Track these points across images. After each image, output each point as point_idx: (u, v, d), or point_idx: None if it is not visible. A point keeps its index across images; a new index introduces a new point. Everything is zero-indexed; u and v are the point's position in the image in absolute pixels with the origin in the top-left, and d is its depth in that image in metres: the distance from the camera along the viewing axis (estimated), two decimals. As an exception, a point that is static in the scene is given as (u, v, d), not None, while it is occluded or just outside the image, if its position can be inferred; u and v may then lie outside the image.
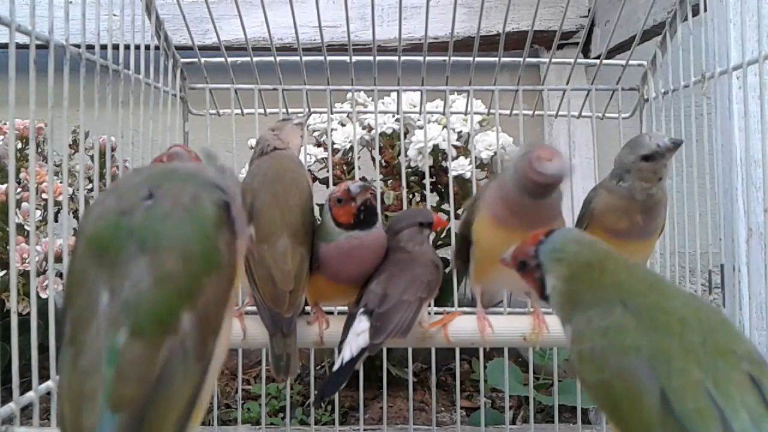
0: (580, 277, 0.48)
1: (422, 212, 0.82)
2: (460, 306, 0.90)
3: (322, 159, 1.14)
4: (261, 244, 0.70)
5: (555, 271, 0.50)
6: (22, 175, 1.09)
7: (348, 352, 0.64)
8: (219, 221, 0.40)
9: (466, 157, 1.13)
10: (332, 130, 1.15)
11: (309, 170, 1.08)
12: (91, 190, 0.83)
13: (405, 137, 1.11)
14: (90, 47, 0.68)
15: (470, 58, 0.94)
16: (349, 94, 1.07)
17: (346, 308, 0.76)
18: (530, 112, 1.02)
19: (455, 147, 1.14)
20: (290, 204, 0.71)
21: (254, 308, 0.71)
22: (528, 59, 0.94)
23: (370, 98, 1.17)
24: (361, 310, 0.68)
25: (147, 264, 0.37)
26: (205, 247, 0.39)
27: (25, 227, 1.03)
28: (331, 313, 0.76)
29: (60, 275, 0.94)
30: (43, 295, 0.96)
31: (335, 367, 0.64)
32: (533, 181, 0.63)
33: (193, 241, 0.38)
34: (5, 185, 1.07)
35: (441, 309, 0.90)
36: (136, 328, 0.36)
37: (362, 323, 0.66)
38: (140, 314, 0.36)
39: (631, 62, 0.95)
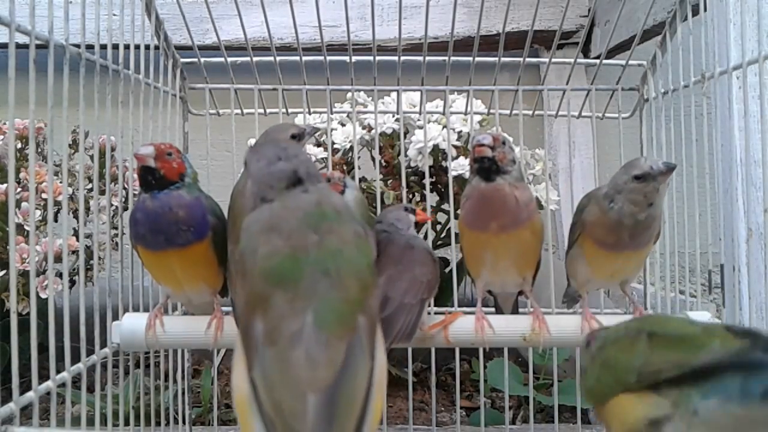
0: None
1: (405, 204, 0.85)
2: (459, 306, 0.90)
3: (322, 159, 1.14)
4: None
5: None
6: (21, 174, 1.09)
7: None
8: (372, 249, 0.51)
9: (466, 157, 1.13)
10: (332, 130, 1.15)
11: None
12: (91, 190, 0.83)
13: (405, 137, 1.11)
14: (90, 47, 0.68)
15: (470, 58, 0.94)
16: (349, 94, 1.07)
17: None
18: (530, 112, 1.02)
19: (455, 147, 1.14)
20: None
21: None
22: (528, 59, 0.94)
23: (370, 98, 1.17)
24: None
25: (331, 284, 0.45)
26: (370, 269, 0.49)
27: (25, 227, 1.03)
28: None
29: (60, 275, 0.94)
30: (42, 295, 0.96)
31: None
32: (471, 157, 0.72)
33: (364, 266, 0.48)
34: (5, 185, 1.07)
35: (442, 309, 0.90)
36: (325, 325, 0.43)
37: None
38: (329, 316, 0.44)
39: (631, 62, 0.95)
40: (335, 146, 1.15)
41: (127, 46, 0.75)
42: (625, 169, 0.72)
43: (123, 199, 0.93)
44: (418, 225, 0.84)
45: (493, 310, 0.86)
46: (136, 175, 0.71)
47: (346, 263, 0.47)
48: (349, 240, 0.48)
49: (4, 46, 0.53)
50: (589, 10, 1.59)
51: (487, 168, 0.71)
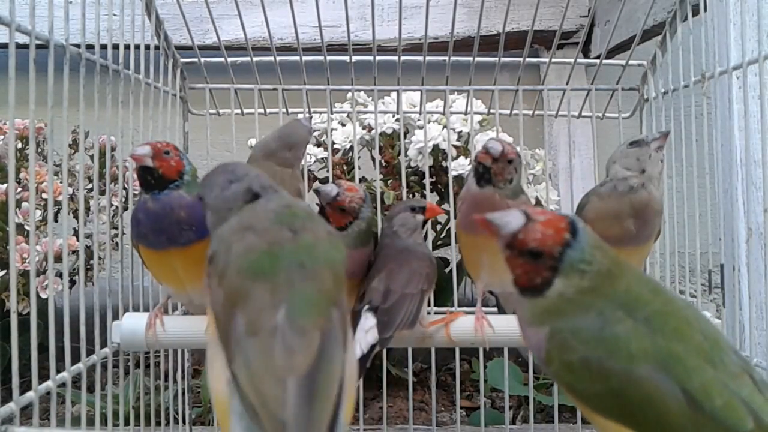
0: (598, 290, 0.45)
1: (416, 200, 0.83)
2: (459, 306, 0.90)
3: (322, 159, 1.14)
4: None
5: (573, 281, 0.45)
6: (22, 174, 1.09)
7: (358, 349, 0.64)
8: (344, 249, 0.52)
9: (466, 157, 1.13)
10: (332, 130, 1.15)
11: (309, 170, 1.08)
12: (91, 190, 0.83)
13: (405, 137, 1.11)
14: (90, 47, 0.68)
15: (470, 58, 0.94)
16: (349, 94, 1.07)
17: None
18: (530, 112, 1.02)
19: (455, 147, 1.14)
20: None
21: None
22: (528, 59, 0.94)
23: (370, 98, 1.17)
24: (366, 307, 0.68)
25: (306, 275, 0.47)
26: (343, 265, 0.50)
27: (25, 227, 1.03)
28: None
29: (60, 275, 0.94)
30: (43, 295, 0.96)
31: None
32: (476, 160, 0.71)
33: (338, 261, 0.50)
34: (5, 185, 1.07)
35: (443, 309, 0.89)
36: (301, 314, 0.45)
37: (368, 320, 0.66)
38: (304, 305, 0.45)
39: (631, 62, 0.95)
40: (335, 146, 1.15)
41: (127, 46, 0.75)
42: (623, 144, 0.75)
43: (123, 199, 0.93)
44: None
45: (493, 310, 0.86)
46: (136, 175, 0.71)
47: (321, 256, 0.48)
48: (323, 237, 0.50)
49: (4, 46, 0.53)
50: (589, 10, 1.59)
51: (481, 174, 0.71)
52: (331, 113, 1.04)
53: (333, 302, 0.47)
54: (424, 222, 0.78)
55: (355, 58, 0.95)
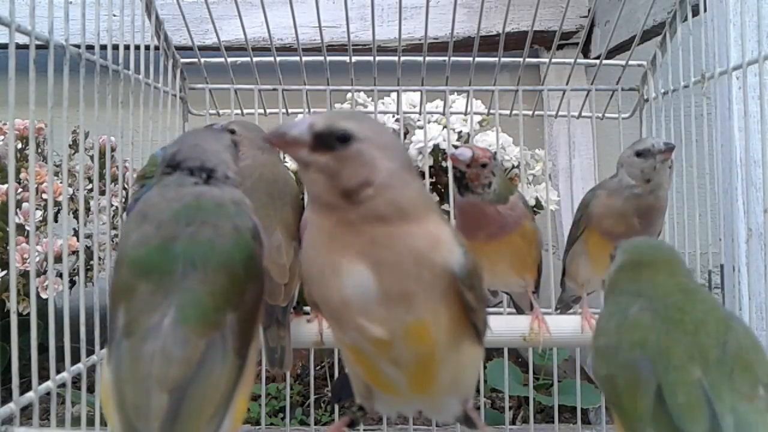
0: (625, 269, 0.51)
1: None
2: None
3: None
4: None
5: (616, 261, 0.53)
6: (22, 175, 1.09)
7: None
8: (254, 242, 0.48)
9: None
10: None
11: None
12: (91, 190, 0.83)
13: (405, 137, 1.11)
14: (90, 47, 0.68)
15: (470, 59, 0.94)
16: (349, 94, 1.08)
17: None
18: (530, 112, 1.02)
19: (455, 147, 1.14)
20: (284, 201, 0.72)
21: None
22: (528, 59, 0.94)
23: (370, 98, 1.17)
24: None
25: (197, 277, 0.44)
26: (246, 263, 0.46)
27: (26, 227, 1.03)
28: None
29: (60, 275, 0.94)
30: (43, 296, 0.96)
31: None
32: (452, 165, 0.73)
33: (238, 260, 0.46)
34: (6, 185, 1.07)
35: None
36: (185, 321, 0.42)
37: None
38: (191, 311, 0.42)
39: (631, 62, 0.95)
40: (335, 146, 1.15)
41: (127, 47, 0.75)
42: (631, 147, 0.76)
43: (123, 200, 0.93)
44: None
45: (493, 310, 0.86)
46: (135, 176, 0.71)
47: (217, 256, 0.45)
48: (226, 233, 0.46)
49: (4, 46, 0.53)
50: (589, 11, 1.59)
51: (459, 180, 0.72)
52: (331, 113, 1.04)
53: (229, 305, 0.44)
54: None
55: (355, 59, 0.95)
